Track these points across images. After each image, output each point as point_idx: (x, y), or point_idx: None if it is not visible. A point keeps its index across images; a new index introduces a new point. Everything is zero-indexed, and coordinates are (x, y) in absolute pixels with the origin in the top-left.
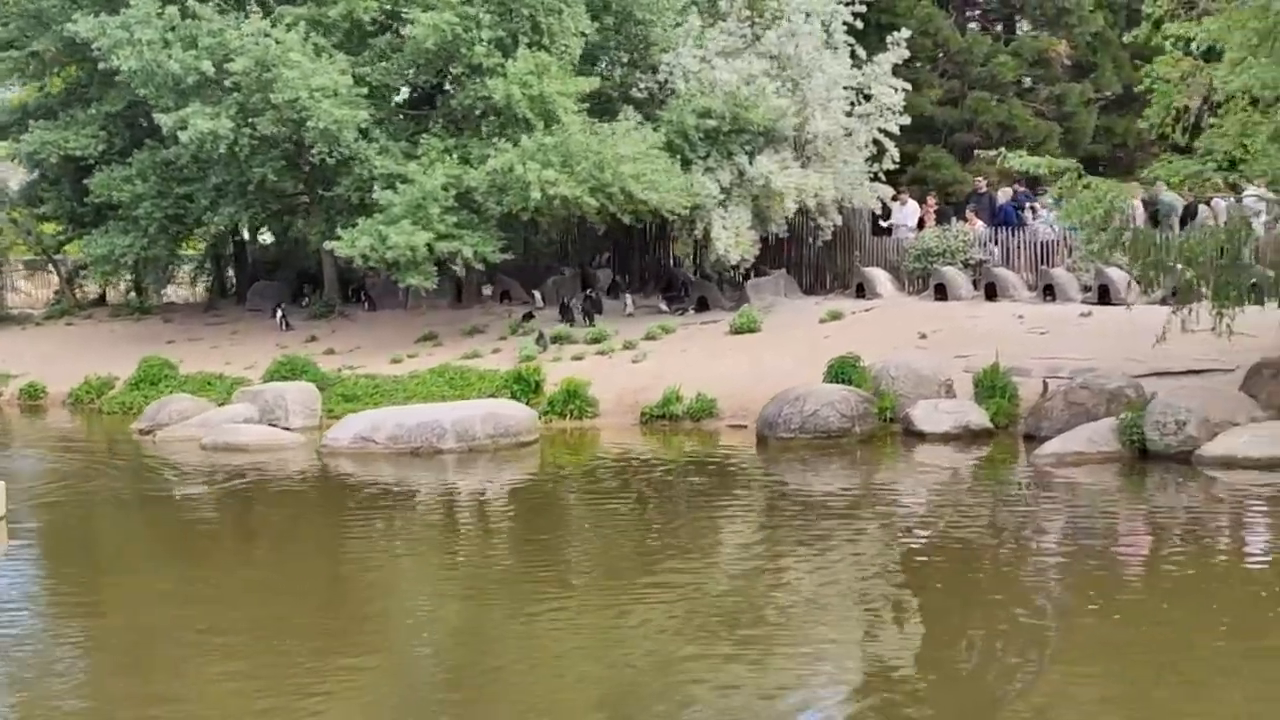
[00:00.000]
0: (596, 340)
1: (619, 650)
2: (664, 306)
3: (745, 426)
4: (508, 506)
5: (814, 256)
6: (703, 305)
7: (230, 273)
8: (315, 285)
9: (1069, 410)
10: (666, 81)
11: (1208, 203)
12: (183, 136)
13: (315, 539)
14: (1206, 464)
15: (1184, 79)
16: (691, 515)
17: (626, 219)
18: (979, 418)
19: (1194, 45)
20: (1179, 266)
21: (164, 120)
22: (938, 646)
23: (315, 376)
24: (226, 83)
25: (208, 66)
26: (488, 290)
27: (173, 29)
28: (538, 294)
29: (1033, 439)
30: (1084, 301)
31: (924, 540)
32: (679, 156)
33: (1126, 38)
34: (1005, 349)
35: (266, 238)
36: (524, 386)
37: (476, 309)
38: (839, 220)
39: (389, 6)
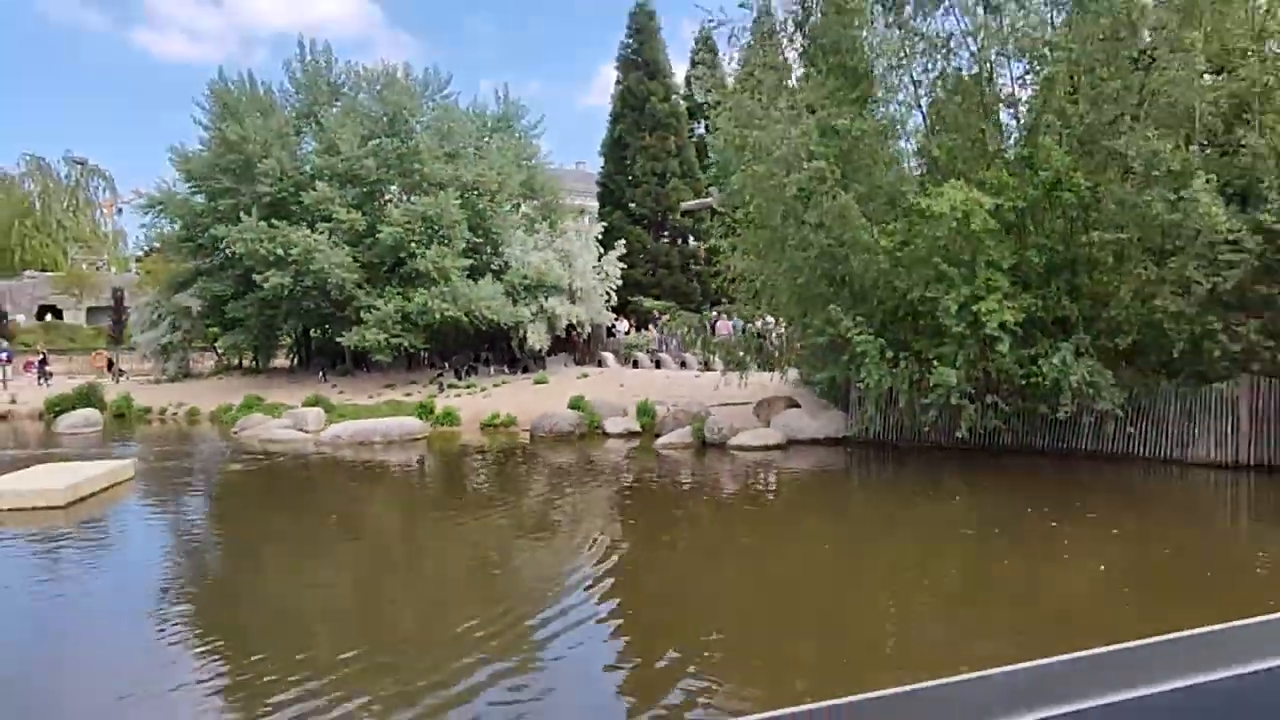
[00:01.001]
0: (468, 388)
1: (475, 539)
2: (506, 371)
3: (527, 430)
4: (403, 464)
5: (580, 346)
6: (525, 370)
7: (303, 352)
8: (341, 358)
9: (675, 421)
10: (507, 261)
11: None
12: (266, 286)
13: (300, 481)
14: (732, 448)
15: (728, 268)
16: (497, 469)
17: (485, 327)
18: (635, 425)
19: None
20: (722, 352)
21: (258, 278)
22: (646, 529)
23: (327, 405)
24: (289, 260)
25: (281, 251)
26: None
27: (263, 234)
28: (447, 365)
29: (659, 436)
30: (697, 370)
31: (613, 479)
32: (511, 298)
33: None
34: (655, 393)
35: (316, 334)
36: (424, 410)
37: (417, 371)
38: (589, 329)
39: (371, 222)
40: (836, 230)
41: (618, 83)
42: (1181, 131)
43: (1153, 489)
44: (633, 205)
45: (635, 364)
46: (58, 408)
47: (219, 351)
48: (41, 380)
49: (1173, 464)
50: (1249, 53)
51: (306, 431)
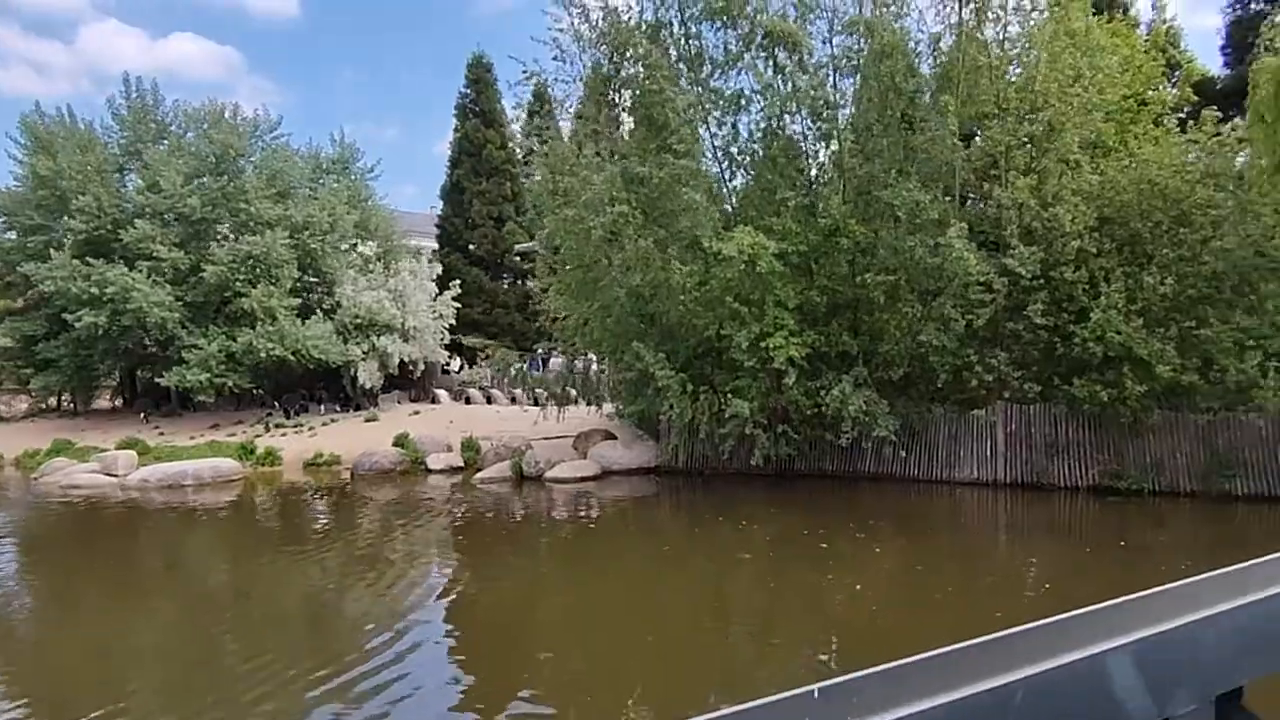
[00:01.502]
0: (295, 428)
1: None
2: (338, 410)
3: (350, 468)
4: (210, 506)
5: (415, 382)
6: (358, 408)
7: (127, 393)
8: (167, 399)
9: (496, 456)
10: (339, 301)
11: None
12: (79, 325)
13: (90, 523)
14: (549, 481)
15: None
16: (314, 507)
17: (313, 366)
18: (459, 461)
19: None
20: (541, 388)
21: (70, 318)
22: (473, 548)
23: (143, 447)
24: (104, 299)
25: (95, 290)
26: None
27: (76, 271)
28: (277, 404)
29: (481, 470)
30: (525, 406)
31: (423, 514)
32: (342, 337)
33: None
34: (484, 428)
35: (143, 374)
36: (245, 451)
37: (246, 411)
38: (423, 366)
39: (196, 261)
40: (640, 272)
41: (456, 130)
42: (942, 185)
43: (922, 507)
44: (471, 247)
45: (468, 400)
46: None
47: (32, 394)
48: None
49: (942, 484)
50: (993, 118)
51: (115, 476)
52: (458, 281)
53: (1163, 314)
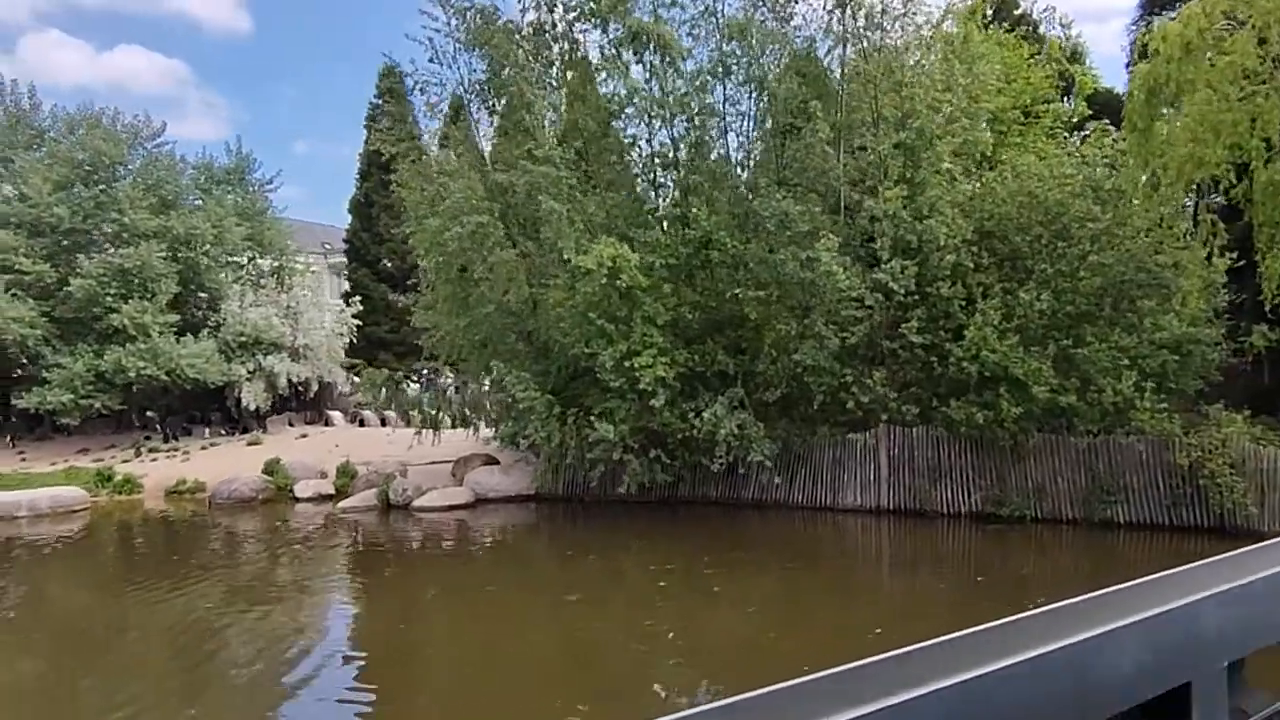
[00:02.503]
0: (170, 451)
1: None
2: (223, 433)
3: (211, 496)
4: (31, 541)
5: (308, 404)
6: (245, 430)
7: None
8: (40, 421)
9: (367, 483)
10: (225, 318)
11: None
12: None
13: None
14: (417, 509)
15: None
16: (175, 540)
17: (189, 387)
18: (329, 488)
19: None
20: (413, 410)
21: None
22: (340, 571)
23: None
24: None
25: None
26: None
27: None
28: (159, 426)
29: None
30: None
31: (252, 549)
32: (224, 355)
33: None
34: (370, 452)
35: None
36: (102, 478)
37: (125, 434)
38: (316, 387)
39: (64, 275)
40: (503, 286)
41: (366, 141)
42: (821, 197)
43: (802, 535)
44: (383, 262)
45: (361, 423)
46: None
47: None
48: None
49: (826, 510)
50: (868, 126)
51: None
52: (358, 298)
53: (1040, 332)
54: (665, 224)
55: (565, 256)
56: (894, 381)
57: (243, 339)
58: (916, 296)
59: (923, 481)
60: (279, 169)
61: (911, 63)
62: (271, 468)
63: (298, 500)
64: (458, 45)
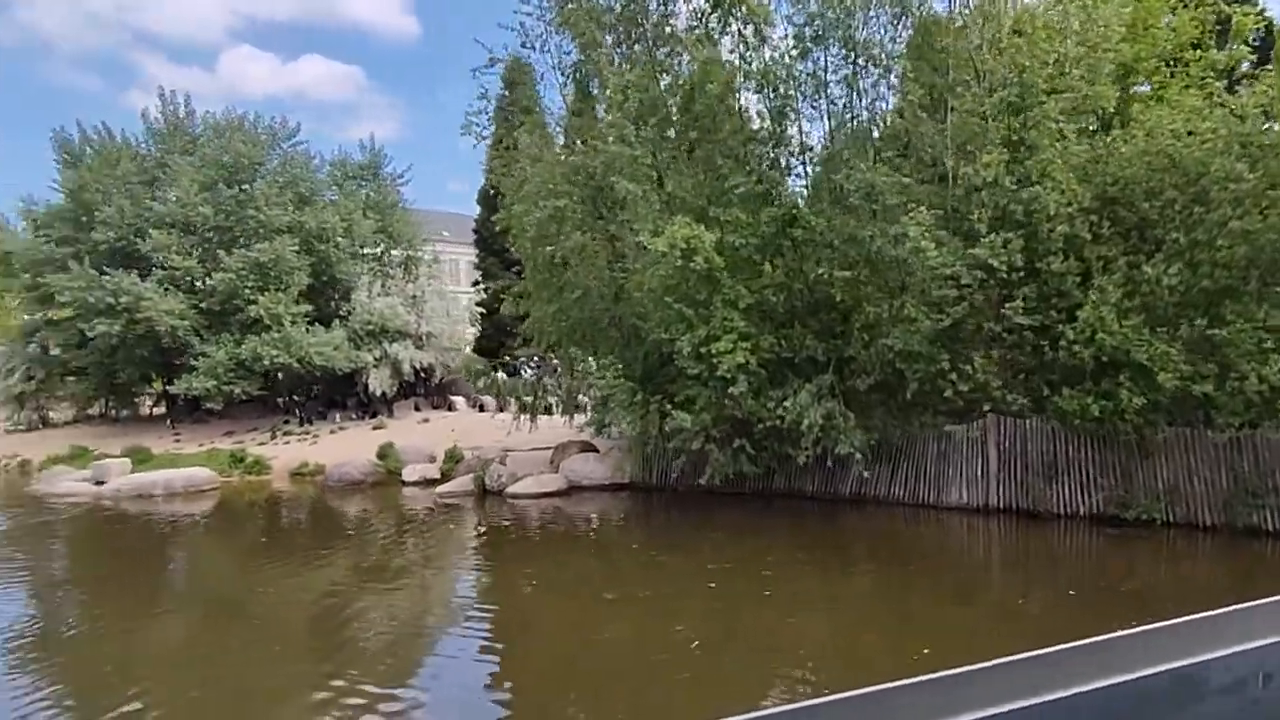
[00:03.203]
0: (303, 435)
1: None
2: (354, 417)
3: (325, 479)
4: (178, 516)
5: (434, 389)
6: (375, 415)
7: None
8: (197, 406)
9: (467, 468)
10: (355, 307)
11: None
12: (92, 335)
13: (64, 529)
14: (509, 496)
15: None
16: (295, 516)
17: (319, 373)
18: (435, 472)
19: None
20: (514, 396)
21: (84, 327)
22: (465, 550)
23: (144, 455)
24: (119, 308)
25: (111, 299)
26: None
27: (93, 282)
28: (297, 411)
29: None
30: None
31: (341, 532)
32: (353, 343)
33: None
34: (484, 438)
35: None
36: (235, 459)
37: (269, 418)
38: (440, 374)
39: (205, 269)
40: (587, 270)
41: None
42: (913, 164)
43: (902, 536)
44: (508, 251)
45: (481, 408)
46: None
47: (75, 400)
48: None
49: (929, 508)
50: (968, 85)
51: (102, 484)
52: (480, 286)
53: (1170, 311)
54: (743, 202)
55: (639, 239)
56: (999, 368)
57: (370, 327)
58: (1023, 273)
59: (1036, 478)
60: (409, 164)
61: (1014, 8)
62: (384, 451)
63: (404, 484)
64: (547, 28)
